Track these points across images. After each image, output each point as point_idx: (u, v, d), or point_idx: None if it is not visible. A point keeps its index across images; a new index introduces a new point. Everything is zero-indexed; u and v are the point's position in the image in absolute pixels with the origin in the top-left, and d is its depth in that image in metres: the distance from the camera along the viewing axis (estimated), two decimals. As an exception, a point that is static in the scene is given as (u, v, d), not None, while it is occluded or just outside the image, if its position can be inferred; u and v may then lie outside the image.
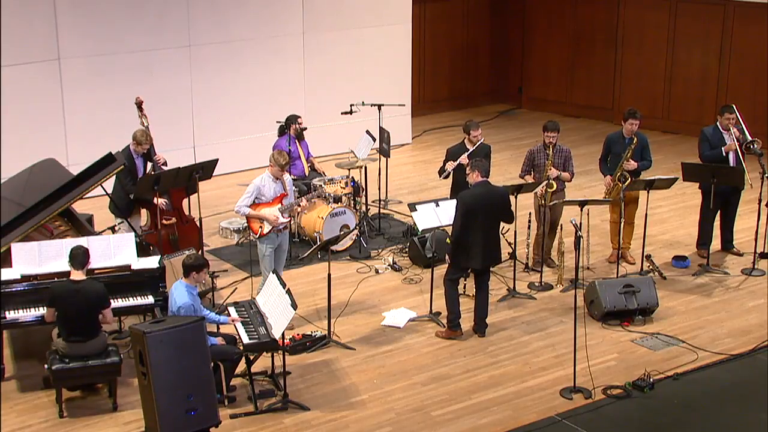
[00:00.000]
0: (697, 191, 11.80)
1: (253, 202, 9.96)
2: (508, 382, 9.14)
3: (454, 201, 9.90)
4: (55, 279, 8.89)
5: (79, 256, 8.63)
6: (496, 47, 18.83)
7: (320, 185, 11.84)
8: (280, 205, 9.97)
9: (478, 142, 11.10)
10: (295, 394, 8.82)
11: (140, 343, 7.73)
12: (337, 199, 11.95)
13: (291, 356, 9.38)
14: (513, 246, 11.14)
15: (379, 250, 12.02)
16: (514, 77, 18.92)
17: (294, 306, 8.35)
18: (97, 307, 8.58)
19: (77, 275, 8.62)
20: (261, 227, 9.88)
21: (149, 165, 10.96)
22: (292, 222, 11.91)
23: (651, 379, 8.97)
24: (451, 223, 9.84)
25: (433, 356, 9.60)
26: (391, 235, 12.47)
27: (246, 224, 10.77)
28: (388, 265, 11.60)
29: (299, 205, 10.59)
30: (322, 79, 15.34)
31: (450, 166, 11.10)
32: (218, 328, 9.11)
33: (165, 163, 11.07)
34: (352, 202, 12.24)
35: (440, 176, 11.34)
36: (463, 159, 10.90)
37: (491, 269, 10.08)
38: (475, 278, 9.98)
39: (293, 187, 10.53)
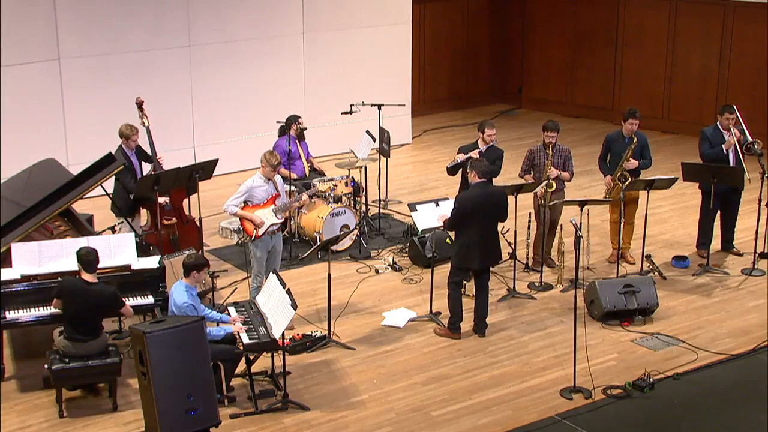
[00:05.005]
0: (697, 191, 11.80)
1: (245, 203, 9.94)
2: (508, 382, 9.13)
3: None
4: (55, 279, 8.87)
5: (92, 262, 8.56)
6: (496, 47, 18.83)
7: (320, 186, 11.83)
8: (273, 206, 9.95)
9: (492, 142, 11.08)
10: (295, 394, 8.82)
11: (140, 343, 7.73)
12: (337, 199, 11.94)
13: (291, 356, 9.38)
14: (513, 246, 11.13)
15: (379, 250, 12.02)
16: (514, 77, 18.92)
17: (294, 306, 8.35)
18: (104, 311, 8.60)
19: (89, 277, 8.59)
20: (256, 229, 9.86)
21: (147, 167, 10.96)
22: (292, 222, 11.92)
23: (651, 379, 8.97)
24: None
25: (433, 356, 9.60)
26: (391, 235, 12.46)
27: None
28: (388, 265, 11.59)
29: (300, 201, 10.55)
30: (322, 79, 15.33)
31: (459, 158, 11.04)
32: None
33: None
34: (352, 202, 12.23)
35: (448, 172, 11.29)
36: (474, 153, 10.86)
37: (492, 269, 10.08)
38: (474, 279, 9.98)
39: (285, 187, 10.50)
